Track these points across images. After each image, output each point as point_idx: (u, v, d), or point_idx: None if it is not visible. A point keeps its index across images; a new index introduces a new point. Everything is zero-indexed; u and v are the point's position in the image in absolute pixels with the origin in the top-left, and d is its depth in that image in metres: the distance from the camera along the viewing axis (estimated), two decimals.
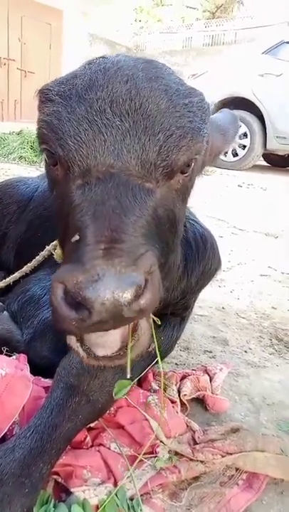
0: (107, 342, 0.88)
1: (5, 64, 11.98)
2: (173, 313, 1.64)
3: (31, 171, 6.78)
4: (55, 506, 1.04)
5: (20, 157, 7.55)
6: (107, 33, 14.91)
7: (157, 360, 1.59)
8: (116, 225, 0.82)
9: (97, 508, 1.07)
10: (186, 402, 1.51)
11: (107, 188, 0.88)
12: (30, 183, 2.47)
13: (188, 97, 1.02)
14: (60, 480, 1.14)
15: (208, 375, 1.64)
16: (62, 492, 1.13)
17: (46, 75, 13.11)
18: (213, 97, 9.00)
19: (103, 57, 1.09)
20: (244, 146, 8.91)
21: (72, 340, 0.89)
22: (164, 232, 1.00)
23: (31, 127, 9.11)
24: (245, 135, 8.81)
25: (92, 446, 1.26)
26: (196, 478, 1.24)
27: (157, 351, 1.38)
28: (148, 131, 0.93)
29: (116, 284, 0.72)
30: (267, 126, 8.59)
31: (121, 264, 0.75)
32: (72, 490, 1.10)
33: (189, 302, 1.69)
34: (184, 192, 1.08)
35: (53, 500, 1.06)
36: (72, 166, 0.93)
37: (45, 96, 1.03)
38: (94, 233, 0.81)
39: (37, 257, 1.83)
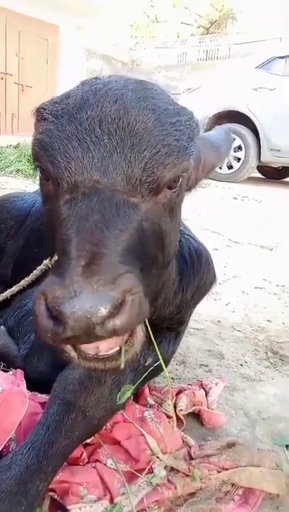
0: (101, 345, 0.89)
1: (2, 78, 12.12)
2: (168, 327, 1.66)
3: (28, 184, 6.82)
4: None
5: (18, 170, 7.60)
6: (104, 48, 15.16)
7: (153, 375, 1.61)
8: (98, 239, 0.85)
9: None
10: (182, 417, 1.52)
11: (92, 202, 0.91)
12: (27, 199, 2.49)
13: (176, 115, 1.05)
14: (56, 497, 1.14)
15: (204, 389, 1.65)
16: (59, 509, 1.13)
17: (43, 89, 13.28)
18: (207, 110, 9.16)
19: (96, 77, 1.13)
20: (239, 159, 9.02)
21: None
22: (150, 246, 1.02)
23: (28, 141, 9.14)
24: (239, 148, 8.93)
25: (88, 462, 1.26)
26: (192, 494, 1.25)
27: (163, 365, 1.39)
28: (134, 148, 0.96)
29: (91, 302, 0.75)
30: (261, 139, 8.72)
31: (98, 282, 0.77)
32: (68, 507, 1.10)
33: (185, 317, 1.71)
34: (172, 207, 1.10)
35: None
36: (61, 182, 0.96)
37: (40, 115, 1.07)
38: (76, 247, 0.84)
39: (34, 271, 1.85)
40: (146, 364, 1.51)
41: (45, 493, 1.09)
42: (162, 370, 1.69)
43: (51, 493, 1.14)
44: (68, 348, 0.89)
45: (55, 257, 0.93)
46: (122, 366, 0.90)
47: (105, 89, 1.02)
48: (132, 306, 0.80)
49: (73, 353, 0.89)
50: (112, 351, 0.89)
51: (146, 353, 1.51)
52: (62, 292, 0.76)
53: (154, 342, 1.23)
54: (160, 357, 1.28)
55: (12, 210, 2.42)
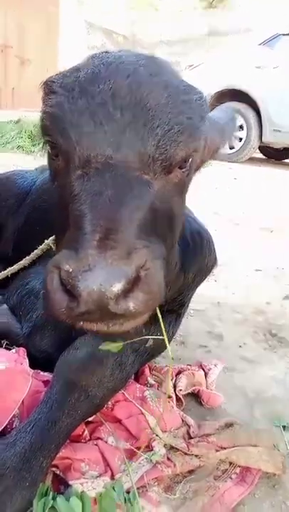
0: None
1: (2, 51, 11.82)
2: (169, 310, 1.67)
3: (29, 160, 6.73)
4: (54, 498, 1.06)
5: (18, 147, 7.50)
6: (104, 21, 14.72)
7: (154, 355, 1.63)
8: (112, 214, 0.84)
9: (95, 500, 1.10)
10: (181, 397, 1.55)
11: (105, 178, 0.90)
12: (28, 177, 2.47)
13: (187, 94, 1.03)
14: (58, 473, 1.17)
15: (204, 370, 1.68)
16: (61, 484, 1.16)
17: (44, 63, 12.96)
18: (209, 88, 8.97)
19: (106, 51, 1.10)
20: (240, 139, 8.90)
21: None
22: (161, 226, 1.01)
23: (29, 116, 9.02)
24: (241, 127, 8.80)
25: (90, 439, 1.29)
26: (190, 472, 1.28)
27: (167, 344, 1.39)
28: (147, 124, 0.94)
29: (105, 276, 0.74)
30: (263, 119, 8.58)
31: (113, 256, 0.76)
32: (70, 482, 1.13)
33: (185, 299, 1.72)
34: (182, 187, 1.09)
35: (51, 492, 1.09)
36: (73, 157, 0.95)
37: (49, 88, 1.04)
38: (90, 222, 0.83)
39: (36, 251, 1.85)
40: (147, 345, 1.53)
41: (48, 469, 1.12)
42: (162, 350, 1.72)
43: (54, 469, 1.17)
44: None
45: (68, 234, 0.91)
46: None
47: (117, 63, 1.00)
48: (147, 282, 0.79)
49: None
50: None
51: (147, 334, 1.53)
52: (76, 266, 0.75)
53: (162, 322, 1.22)
54: (166, 339, 1.27)
55: (13, 188, 2.40)
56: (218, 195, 5.50)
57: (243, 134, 8.84)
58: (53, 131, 0.99)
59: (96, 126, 0.92)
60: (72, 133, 0.93)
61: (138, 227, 0.87)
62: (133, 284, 0.77)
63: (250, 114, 8.69)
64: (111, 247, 0.77)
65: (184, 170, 1.04)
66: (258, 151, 9.92)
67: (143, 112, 0.94)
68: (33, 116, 8.56)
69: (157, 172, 0.96)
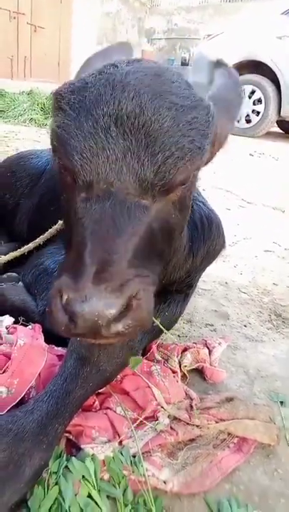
0: None
1: (14, 18, 11.54)
2: (177, 290, 1.75)
3: (42, 134, 6.74)
4: (67, 460, 1.19)
5: (31, 119, 7.50)
6: None
7: (160, 333, 1.73)
8: (109, 245, 0.94)
9: (104, 462, 1.23)
10: (186, 373, 1.65)
11: (105, 206, 0.98)
12: (42, 156, 2.53)
13: (192, 112, 1.05)
14: (71, 438, 1.29)
15: (208, 348, 1.77)
16: (73, 448, 1.28)
17: (56, 31, 12.68)
18: (228, 59, 8.71)
19: (114, 66, 1.11)
20: (258, 113, 8.71)
21: None
22: (158, 242, 1.10)
23: (41, 87, 8.94)
24: (259, 101, 8.59)
25: (100, 409, 1.41)
26: (191, 441, 1.39)
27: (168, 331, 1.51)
28: (148, 150, 0.98)
29: (99, 307, 0.86)
30: (282, 91, 8.34)
31: (107, 289, 0.88)
32: (82, 447, 1.25)
33: (193, 281, 1.80)
34: (182, 201, 1.15)
35: (65, 455, 1.22)
36: (78, 179, 1.02)
37: (58, 103, 1.08)
38: (88, 253, 0.93)
39: (50, 230, 1.94)
40: (154, 324, 1.63)
41: (62, 434, 1.24)
42: (170, 328, 1.82)
43: (67, 435, 1.29)
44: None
45: (70, 253, 1.04)
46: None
47: (122, 84, 1.02)
48: (137, 310, 0.91)
49: None
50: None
51: (154, 313, 1.62)
52: (74, 295, 0.88)
53: (158, 324, 1.33)
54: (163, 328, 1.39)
55: (27, 168, 2.47)
56: (232, 173, 5.47)
57: (260, 107, 8.63)
58: (60, 152, 1.05)
59: (99, 151, 0.98)
60: (76, 158, 1.00)
61: (133, 255, 0.97)
62: (124, 310, 0.90)
63: (269, 87, 8.45)
64: (105, 280, 0.89)
65: (184, 186, 1.09)
66: (275, 125, 9.71)
67: (145, 136, 0.99)
68: (45, 87, 8.49)
69: (156, 196, 1.02)
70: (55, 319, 0.91)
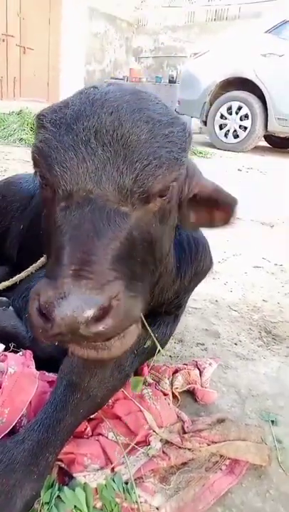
0: None
1: (4, 40, 11.75)
2: (166, 311, 1.77)
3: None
4: (59, 489, 1.19)
5: (21, 139, 7.54)
6: (108, 7, 14.53)
7: (153, 355, 1.74)
8: (88, 247, 0.94)
9: (96, 490, 1.23)
10: (177, 395, 1.66)
11: (84, 212, 0.99)
12: (32, 181, 2.55)
13: (169, 127, 1.10)
14: (63, 466, 1.29)
15: (199, 369, 1.79)
16: (66, 476, 1.28)
17: (46, 52, 12.88)
18: (214, 77, 8.93)
19: (94, 87, 1.18)
20: (245, 128, 8.89)
21: None
22: (140, 252, 1.10)
23: (31, 107, 9.04)
24: (246, 116, 8.78)
25: (92, 435, 1.41)
26: (184, 464, 1.39)
27: (158, 346, 1.51)
28: (127, 160, 1.02)
29: (77, 303, 0.84)
30: (268, 107, 8.57)
31: (87, 285, 0.87)
32: (74, 475, 1.25)
33: (182, 301, 1.82)
34: (163, 213, 1.17)
35: (57, 484, 1.21)
36: (58, 190, 1.04)
37: (40, 122, 1.13)
38: (68, 255, 0.93)
39: (41, 259, 1.94)
40: (145, 346, 1.64)
41: (54, 463, 1.24)
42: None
43: (59, 463, 1.29)
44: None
45: (50, 262, 1.03)
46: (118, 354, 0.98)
47: (102, 101, 1.08)
48: (117, 311, 0.89)
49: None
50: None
51: (145, 336, 1.63)
52: (53, 293, 0.86)
53: (150, 331, 1.34)
54: (157, 344, 1.39)
55: (18, 192, 2.50)
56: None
57: (247, 123, 8.83)
58: (41, 165, 1.08)
59: (79, 162, 1.01)
60: (57, 168, 1.03)
61: (114, 258, 0.96)
62: (104, 312, 0.87)
63: (256, 103, 8.68)
64: (85, 278, 0.87)
65: (164, 198, 1.12)
66: (262, 140, 9.90)
67: (123, 147, 1.02)
68: (35, 106, 8.59)
69: (135, 203, 1.04)
70: (32, 322, 0.90)
